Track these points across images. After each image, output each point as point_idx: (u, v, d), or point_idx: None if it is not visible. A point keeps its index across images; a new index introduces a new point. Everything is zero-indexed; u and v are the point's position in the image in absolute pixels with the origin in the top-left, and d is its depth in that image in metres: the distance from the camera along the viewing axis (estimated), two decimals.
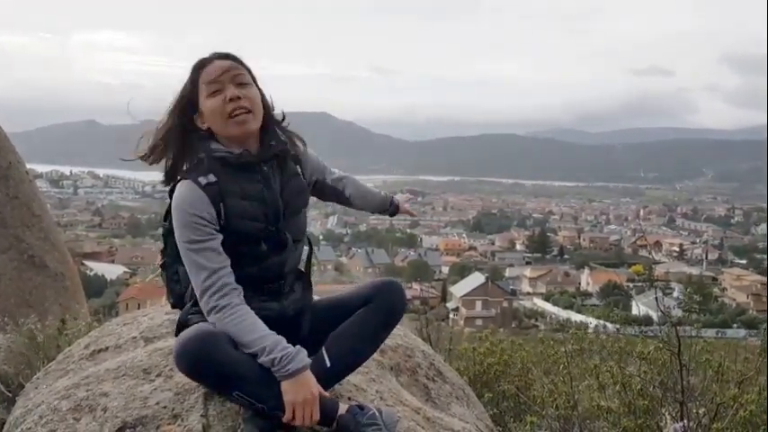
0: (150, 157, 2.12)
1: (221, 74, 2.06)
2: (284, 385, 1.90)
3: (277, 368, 1.90)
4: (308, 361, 1.95)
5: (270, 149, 2.12)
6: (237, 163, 2.07)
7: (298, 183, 2.21)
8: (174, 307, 2.30)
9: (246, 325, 1.95)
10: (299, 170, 2.24)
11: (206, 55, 2.12)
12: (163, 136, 2.11)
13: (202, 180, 2.03)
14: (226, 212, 2.02)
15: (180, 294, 2.22)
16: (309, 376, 1.94)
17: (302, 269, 2.29)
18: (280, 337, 1.96)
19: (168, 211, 2.12)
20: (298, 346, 1.96)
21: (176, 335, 2.09)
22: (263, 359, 1.91)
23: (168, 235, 2.16)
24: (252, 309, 2.01)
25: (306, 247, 2.29)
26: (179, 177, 2.07)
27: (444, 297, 57.62)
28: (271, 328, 1.99)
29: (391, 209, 2.62)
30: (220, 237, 2.02)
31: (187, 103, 2.09)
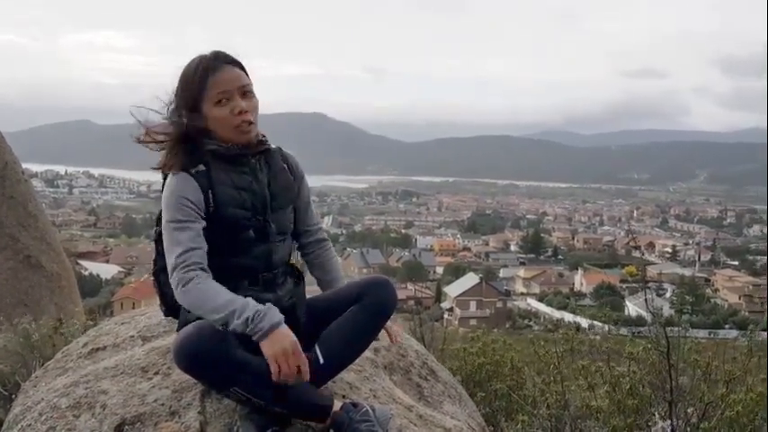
0: (167, 163, 2.10)
1: (230, 84, 2.08)
2: (262, 344, 1.89)
3: (251, 328, 1.89)
4: (281, 316, 1.94)
5: (259, 144, 2.18)
6: (228, 155, 2.12)
7: (285, 177, 2.27)
8: (167, 314, 2.29)
9: (211, 293, 1.95)
10: (287, 167, 2.29)
11: (207, 53, 2.11)
12: (176, 137, 2.11)
13: (192, 170, 2.08)
14: (214, 200, 2.08)
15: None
16: (286, 330, 1.92)
17: (293, 263, 2.33)
18: (248, 298, 1.96)
19: (160, 216, 2.14)
20: (269, 304, 1.96)
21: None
22: (235, 323, 1.90)
23: (160, 239, 2.17)
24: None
25: (295, 243, 2.37)
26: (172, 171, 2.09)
27: (439, 297, 57.56)
28: None
29: None
30: (203, 223, 2.06)
31: (194, 103, 2.10)
